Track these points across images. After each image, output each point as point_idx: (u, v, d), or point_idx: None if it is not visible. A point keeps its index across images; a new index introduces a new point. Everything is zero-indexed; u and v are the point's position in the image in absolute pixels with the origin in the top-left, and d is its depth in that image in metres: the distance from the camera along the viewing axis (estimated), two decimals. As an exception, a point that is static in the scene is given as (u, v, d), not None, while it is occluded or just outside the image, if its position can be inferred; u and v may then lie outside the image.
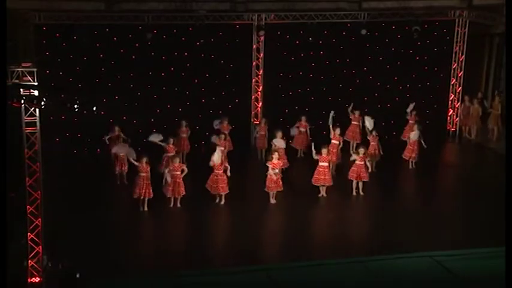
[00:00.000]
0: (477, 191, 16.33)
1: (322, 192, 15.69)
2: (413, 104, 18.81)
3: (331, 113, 17.34)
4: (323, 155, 15.62)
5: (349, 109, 18.44)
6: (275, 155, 15.25)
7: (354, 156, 15.84)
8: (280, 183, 15.20)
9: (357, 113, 18.47)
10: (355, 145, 17.70)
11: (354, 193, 15.82)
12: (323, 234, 14.32)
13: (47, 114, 11.75)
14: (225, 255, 13.11)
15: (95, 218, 14.15)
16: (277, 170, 15.17)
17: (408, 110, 18.61)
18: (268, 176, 15.15)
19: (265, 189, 15.21)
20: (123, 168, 16.09)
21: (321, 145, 15.94)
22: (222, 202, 15.04)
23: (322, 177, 15.55)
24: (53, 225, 12.09)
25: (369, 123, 17.41)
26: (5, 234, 10.16)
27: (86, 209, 14.52)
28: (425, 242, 13.46)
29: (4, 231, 10.10)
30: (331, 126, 17.06)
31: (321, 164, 15.64)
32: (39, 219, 11.31)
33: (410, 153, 17.75)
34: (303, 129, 18.28)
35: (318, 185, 15.63)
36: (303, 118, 18.30)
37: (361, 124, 18.36)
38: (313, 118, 18.68)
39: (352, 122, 18.60)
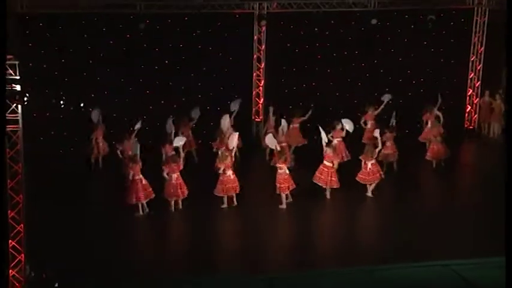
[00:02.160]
0: (497, 194, 16.25)
1: (327, 195, 15.72)
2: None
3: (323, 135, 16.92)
4: (328, 153, 15.61)
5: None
6: (282, 159, 15.32)
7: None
8: (292, 181, 15.20)
9: (369, 111, 18.44)
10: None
11: (371, 195, 15.80)
12: (327, 239, 14.32)
13: (30, 111, 11.73)
14: (225, 261, 13.14)
15: (83, 223, 14.13)
16: (285, 169, 15.23)
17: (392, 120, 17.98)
18: (278, 176, 15.17)
19: (277, 191, 15.19)
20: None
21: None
22: (234, 203, 15.10)
23: (329, 178, 15.53)
24: (37, 232, 12.07)
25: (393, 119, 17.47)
26: (5, 234, 10.09)
27: (74, 213, 14.50)
28: (440, 249, 13.43)
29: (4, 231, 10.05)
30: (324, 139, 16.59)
31: (325, 163, 15.66)
32: (22, 225, 11.28)
33: (432, 153, 17.66)
34: (296, 125, 18.22)
35: (321, 184, 15.64)
36: (297, 113, 18.26)
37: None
38: (318, 115, 18.63)
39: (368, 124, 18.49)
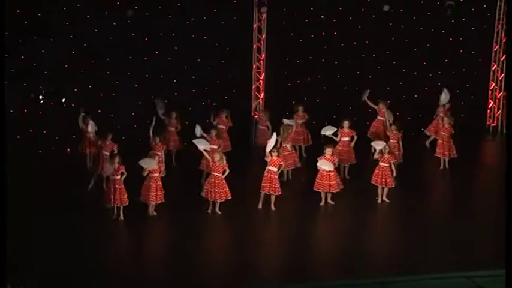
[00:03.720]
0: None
1: (328, 200, 15.50)
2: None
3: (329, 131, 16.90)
4: (327, 155, 15.39)
5: (364, 97, 18.27)
6: (274, 152, 15.14)
7: (376, 156, 15.62)
8: (277, 185, 15.06)
9: (381, 105, 18.27)
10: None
11: (380, 200, 15.67)
12: (334, 249, 14.12)
13: (5, 107, 11.49)
14: (215, 274, 12.90)
15: (66, 232, 13.91)
16: (275, 169, 15.07)
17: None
18: (265, 174, 15.08)
19: (260, 190, 15.15)
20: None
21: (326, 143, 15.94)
22: (218, 211, 14.96)
23: (327, 182, 15.30)
24: (15, 243, 11.81)
25: (388, 115, 17.46)
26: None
27: (55, 221, 14.29)
28: (461, 259, 13.26)
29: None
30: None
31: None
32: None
33: (443, 149, 17.55)
34: (300, 121, 18.03)
35: (321, 191, 15.43)
36: (300, 108, 18.12)
37: (386, 119, 18.19)
38: (325, 111, 18.52)
39: (378, 117, 18.39)
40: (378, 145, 15.88)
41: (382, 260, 13.49)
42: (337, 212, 15.47)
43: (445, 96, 18.40)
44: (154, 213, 14.76)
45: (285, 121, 17.09)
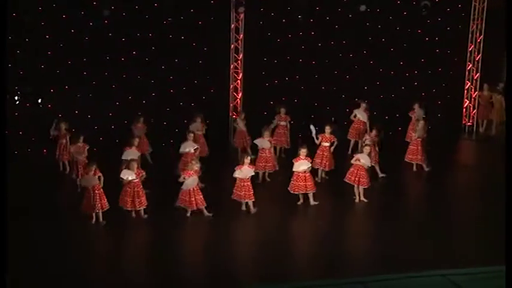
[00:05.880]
0: (498, 197, 16.17)
1: (311, 202, 15.43)
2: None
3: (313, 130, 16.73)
4: (301, 156, 15.23)
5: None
6: (247, 159, 14.92)
7: (358, 158, 15.63)
8: (251, 192, 14.85)
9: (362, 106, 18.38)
10: (360, 145, 17.51)
11: (358, 200, 15.68)
12: (313, 249, 14.07)
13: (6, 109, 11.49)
14: (196, 278, 12.82)
15: (43, 235, 13.81)
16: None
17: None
18: (237, 182, 14.88)
19: (233, 197, 15.02)
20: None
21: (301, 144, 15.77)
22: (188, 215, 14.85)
23: (303, 183, 15.21)
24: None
25: (361, 116, 17.59)
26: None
27: (32, 223, 14.20)
28: (437, 258, 13.30)
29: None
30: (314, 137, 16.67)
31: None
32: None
33: (414, 155, 17.59)
34: (283, 123, 18.05)
35: (298, 193, 15.40)
36: (282, 110, 18.14)
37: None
38: (302, 112, 18.55)
39: (357, 118, 18.47)
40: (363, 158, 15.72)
41: (360, 259, 13.52)
42: (315, 213, 15.44)
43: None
44: (145, 216, 14.59)
45: (256, 141, 16.77)
